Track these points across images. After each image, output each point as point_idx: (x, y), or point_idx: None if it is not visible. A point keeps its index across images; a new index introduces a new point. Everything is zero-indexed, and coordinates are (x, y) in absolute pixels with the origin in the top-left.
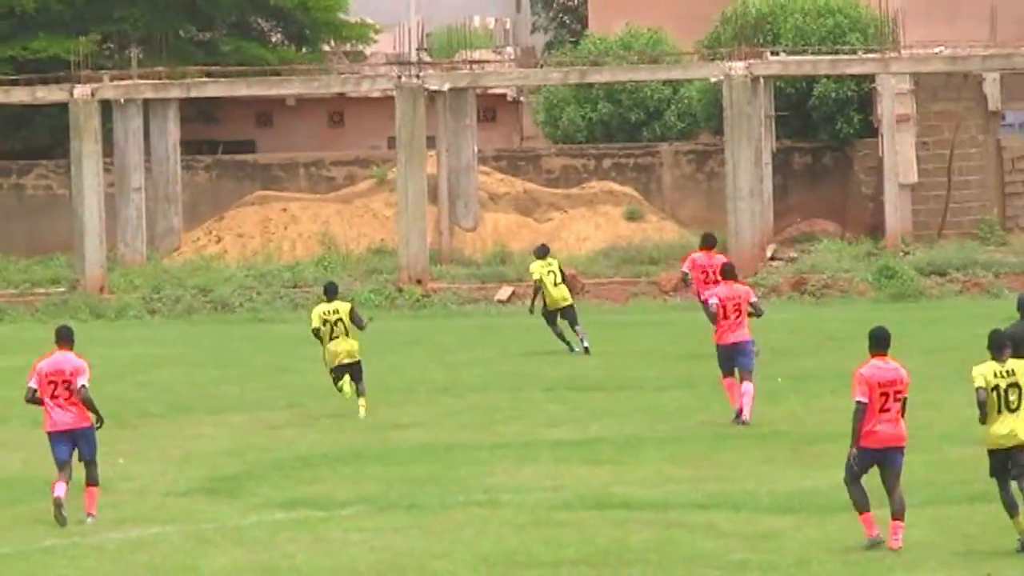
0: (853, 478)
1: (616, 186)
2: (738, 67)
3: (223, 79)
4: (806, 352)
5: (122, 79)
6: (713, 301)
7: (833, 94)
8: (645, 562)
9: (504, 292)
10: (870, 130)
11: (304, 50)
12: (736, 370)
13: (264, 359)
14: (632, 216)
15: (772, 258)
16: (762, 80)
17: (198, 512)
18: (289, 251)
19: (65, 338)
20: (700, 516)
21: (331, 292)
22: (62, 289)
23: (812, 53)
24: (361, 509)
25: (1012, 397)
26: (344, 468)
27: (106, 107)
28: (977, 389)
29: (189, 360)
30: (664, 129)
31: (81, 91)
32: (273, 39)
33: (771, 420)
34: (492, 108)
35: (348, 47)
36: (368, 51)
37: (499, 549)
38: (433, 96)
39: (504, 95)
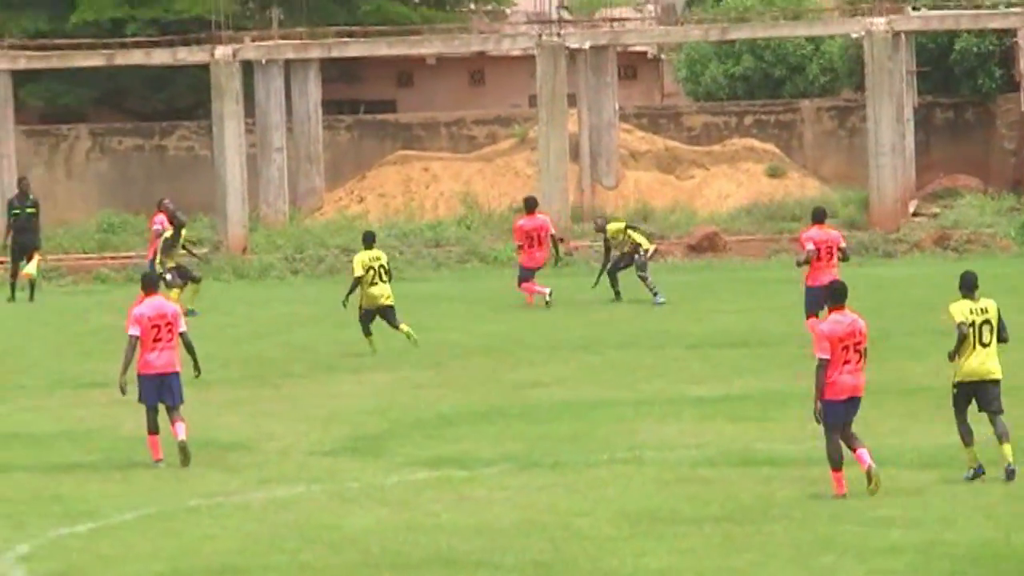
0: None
1: (757, 143)
2: (879, 23)
3: (364, 39)
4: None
5: (263, 40)
6: (810, 246)
7: (975, 49)
8: (789, 519)
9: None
10: (1012, 85)
11: (445, 9)
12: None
13: (407, 318)
14: (773, 173)
15: (914, 214)
16: (903, 35)
17: (341, 471)
18: (431, 210)
19: (148, 285)
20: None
21: (370, 240)
22: (205, 250)
23: (953, 7)
24: (504, 467)
25: (985, 333)
26: (487, 427)
27: (247, 68)
28: (959, 324)
29: (331, 320)
30: (806, 85)
31: (222, 52)
32: (414, 0)
33: (914, 375)
34: (632, 66)
35: (489, 6)
36: (508, 10)
37: (642, 506)
38: (574, 54)
39: (644, 52)
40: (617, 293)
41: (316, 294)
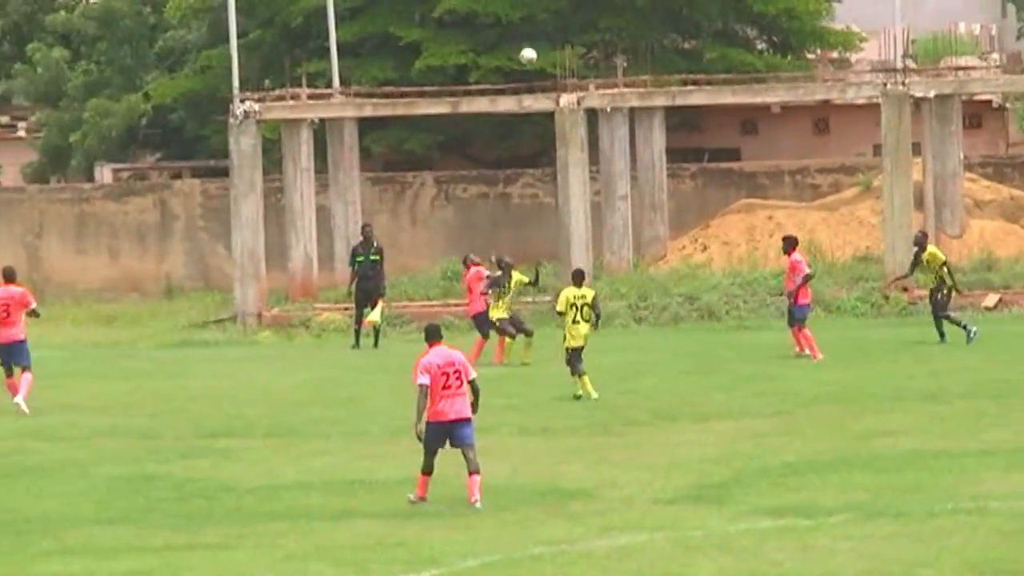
0: None
1: None
2: None
3: (708, 87)
4: None
5: (608, 88)
6: None
7: None
8: None
9: (991, 299)
10: None
11: (789, 57)
12: None
13: (750, 367)
14: None
15: None
16: None
17: (684, 519)
18: (774, 259)
19: (434, 335)
20: None
21: (579, 277)
22: (548, 298)
23: None
24: (848, 517)
25: None
26: (831, 475)
27: (592, 115)
28: None
29: (675, 368)
30: None
31: (567, 100)
32: (758, 47)
33: None
34: (977, 114)
35: (834, 54)
36: (853, 58)
37: (986, 557)
38: (918, 103)
39: (989, 101)
40: (942, 335)
41: (660, 342)
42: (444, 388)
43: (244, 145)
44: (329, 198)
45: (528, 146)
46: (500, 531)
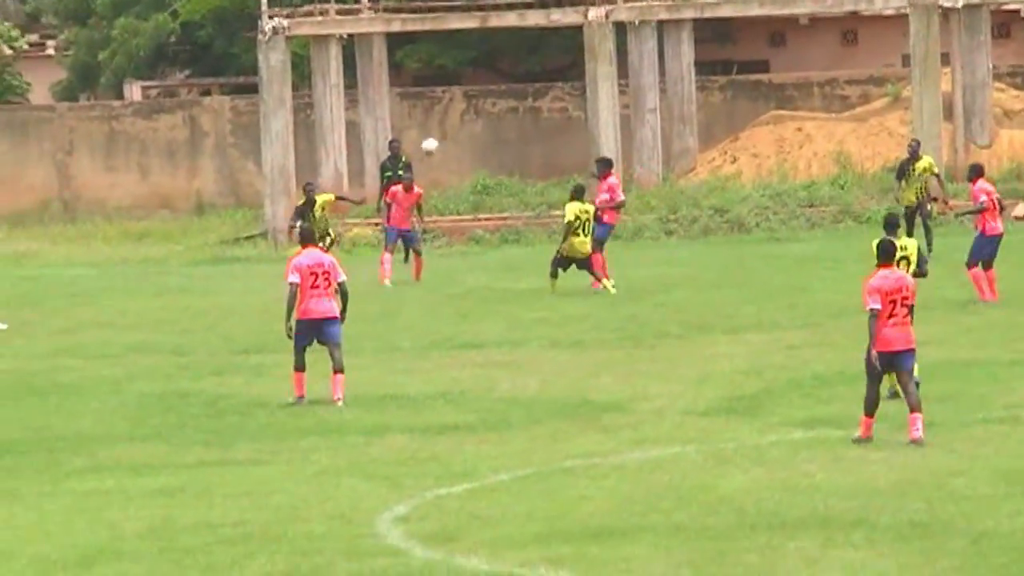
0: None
1: None
2: None
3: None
4: None
5: (636, 0)
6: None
7: None
8: None
9: (1020, 208)
10: None
11: None
12: None
13: (780, 279)
14: None
15: None
16: None
17: (716, 431)
18: (804, 170)
19: (307, 237)
20: None
21: (580, 193)
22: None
23: None
24: (879, 427)
25: None
26: (862, 386)
27: (620, 29)
28: None
29: (705, 280)
30: None
31: (595, 13)
32: None
33: None
34: (1006, 24)
35: None
36: None
37: (1019, 466)
38: (947, 13)
39: (1018, 11)
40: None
41: (690, 255)
42: (312, 287)
43: (273, 61)
44: (359, 114)
45: (557, 60)
46: (532, 445)
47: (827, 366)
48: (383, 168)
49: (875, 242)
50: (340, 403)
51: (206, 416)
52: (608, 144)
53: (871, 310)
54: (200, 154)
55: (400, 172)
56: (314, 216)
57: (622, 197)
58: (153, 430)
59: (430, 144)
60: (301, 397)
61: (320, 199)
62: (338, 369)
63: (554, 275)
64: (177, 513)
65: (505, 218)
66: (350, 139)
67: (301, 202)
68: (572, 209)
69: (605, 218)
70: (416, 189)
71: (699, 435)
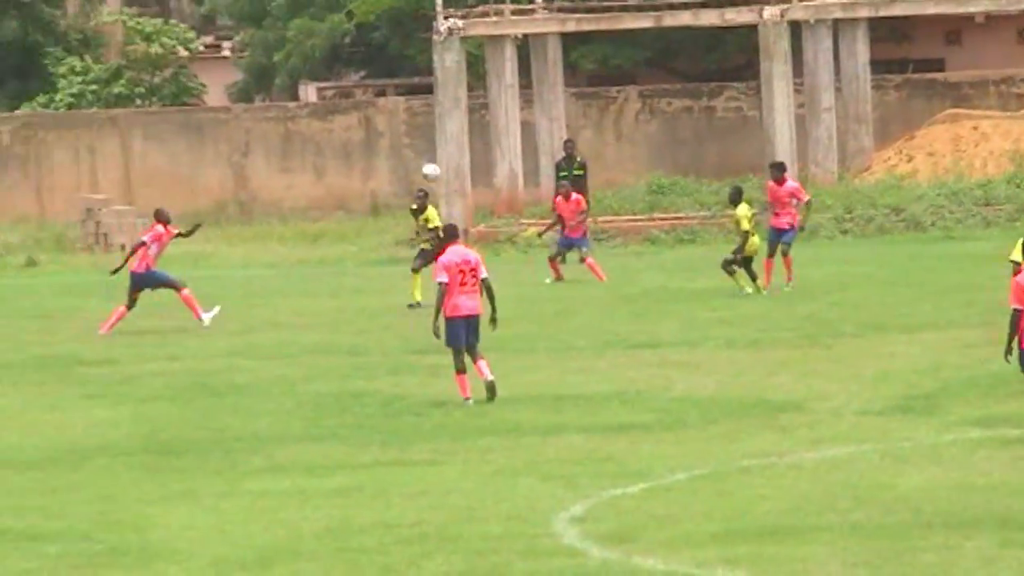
0: None
1: None
2: None
3: None
4: None
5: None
6: None
7: None
8: None
9: None
10: None
11: None
12: None
13: (956, 277)
14: None
15: None
16: None
17: (893, 430)
18: (980, 169)
19: (452, 234)
20: None
21: (742, 194)
22: (753, 211)
23: None
24: None
25: None
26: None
27: (795, 27)
28: None
29: (881, 279)
30: None
31: (770, 12)
32: None
33: None
34: None
35: None
36: None
37: None
38: None
39: None
40: None
41: (866, 253)
42: (461, 285)
43: (448, 62)
44: (533, 114)
45: (733, 59)
46: (708, 444)
47: (1004, 365)
48: (558, 168)
49: (1021, 240)
50: (491, 377)
51: (382, 416)
52: (783, 144)
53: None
54: (375, 155)
55: (575, 172)
56: (421, 224)
57: (808, 196)
58: (329, 430)
59: (432, 169)
60: (467, 399)
61: (430, 212)
62: (478, 358)
63: (732, 272)
64: (354, 513)
65: (680, 218)
66: (525, 140)
67: (413, 207)
68: (745, 214)
69: (788, 221)
70: (574, 196)
71: (876, 434)
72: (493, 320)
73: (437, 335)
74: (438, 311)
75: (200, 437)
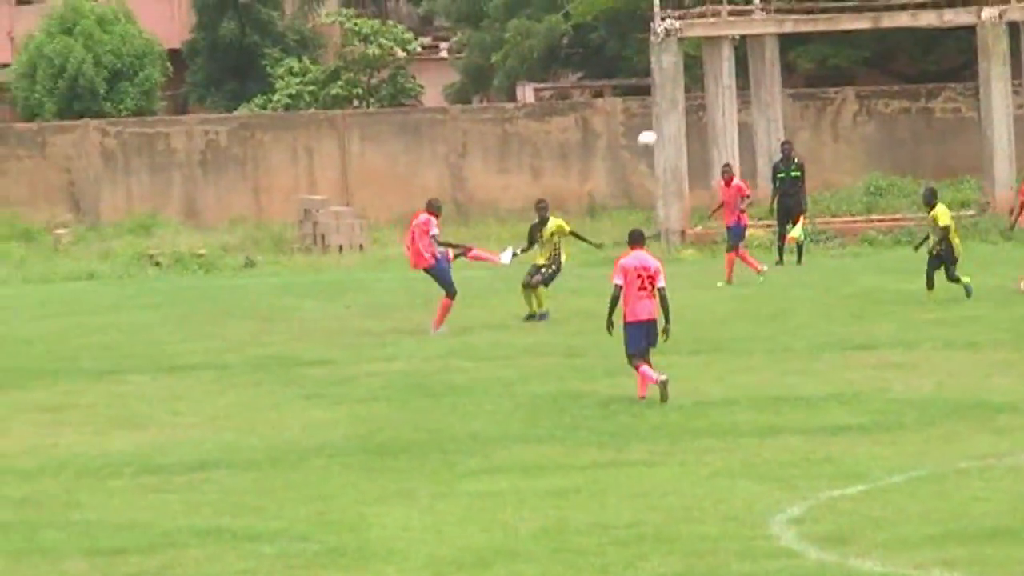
0: None
1: None
2: None
3: None
4: None
5: None
6: None
7: None
8: None
9: None
10: None
11: None
12: None
13: None
14: None
15: None
16: None
17: None
18: None
19: (636, 239)
20: None
21: (936, 195)
22: (971, 212)
23: None
24: None
25: None
26: None
27: (1014, 29)
28: None
29: None
30: None
31: (989, 13)
32: None
33: None
34: None
35: None
36: None
37: None
38: None
39: None
40: None
41: None
42: (640, 290)
43: (666, 63)
44: (751, 115)
45: (952, 60)
46: (926, 446)
47: None
48: (775, 170)
49: None
50: (664, 377)
51: (599, 417)
52: (1001, 145)
53: None
54: (592, 156)
55: (792, 173)
56: (542, 238)
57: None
58: (546, 431)
59: (648, 136)
60: (643, 397)
61: (553, 223)
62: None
63: (957, 279)
64: (571, 514)
65: (898, 219)
66: (742, 141)
67: (535, 221)
68: (946, 214)
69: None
70: (735, 182)
71: None
72: (665, 331)
73: (610, 331)
74: (611, 311)
75: (417, 438)
